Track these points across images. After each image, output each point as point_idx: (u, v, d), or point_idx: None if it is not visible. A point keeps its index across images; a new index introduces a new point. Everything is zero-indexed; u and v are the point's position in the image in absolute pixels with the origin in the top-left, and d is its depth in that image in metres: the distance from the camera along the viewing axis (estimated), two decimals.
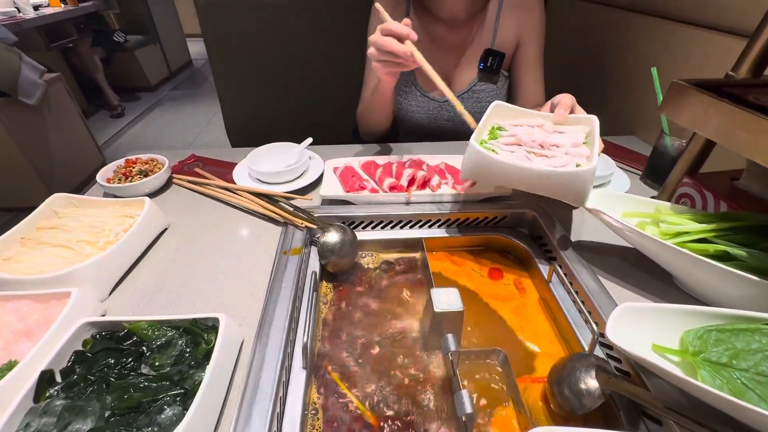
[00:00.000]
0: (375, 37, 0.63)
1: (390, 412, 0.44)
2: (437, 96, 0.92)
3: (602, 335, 0.45)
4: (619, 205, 0.56)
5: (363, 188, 0.69)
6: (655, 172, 0.75)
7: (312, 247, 0.63)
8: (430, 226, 0.67)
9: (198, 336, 0.42)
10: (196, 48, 4.84)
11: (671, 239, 0.49)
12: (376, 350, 0.51)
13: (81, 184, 2.31)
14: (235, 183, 0.72)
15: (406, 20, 0.63)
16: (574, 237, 0.61)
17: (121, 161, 0.73)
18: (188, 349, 0.41)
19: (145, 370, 0.40)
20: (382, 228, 0.67)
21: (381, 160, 0.76)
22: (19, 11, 2.44)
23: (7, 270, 0.50)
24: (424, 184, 0.70)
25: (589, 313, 0.50)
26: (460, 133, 0.95)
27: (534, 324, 0.56)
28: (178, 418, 0.34)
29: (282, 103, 1.45)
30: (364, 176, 0.73)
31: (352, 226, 0.66)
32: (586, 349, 0.47)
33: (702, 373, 0.36)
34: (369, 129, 0.93)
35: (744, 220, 0.48)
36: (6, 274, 0.48)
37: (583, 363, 0.42)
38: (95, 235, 0.56)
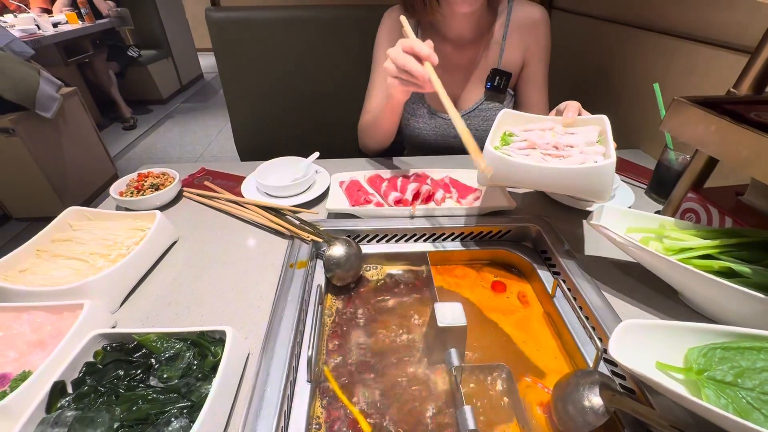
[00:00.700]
0: (395, 53, 0.63)
1: (393, 428, 0.44)
2: (446, 115, 0.93)
3: (606, 351, 0.45)
4: (623, 221, 0.56)
5: (368, 202, 0.70)
6: (659, 186, 0.75)
7: (318, 260, 0.64)
8: (434, 240, 0.68)
9: (205, 349, 0.43)
10: (207, 62, 4.97)
11: (675, 255, 0.49)
12: (379, 364, 0.51)
13: (93, 195, 2.36)
14: (243, 196, 0.73)
15: (429, 42, 0.62)
16: (578, 251, 0.61)
17: (134, 175, 0.75)
18: (195, 362, 0.42)
19: (153, 382, 0.41)
20: (387, 241, 0.67)
21: (386, 174, 0.77)
22: (39, 28, 2.54)
23: (23, 281, 0.52)
24: (429, 197, 0.71)
25: (593, 329, 0.50)
26: (465, 150, 0.96)
27: (537, 338, 0.56)
28: (185, 431, 0.35)
29: (291, 117, 1.48)
30: (370, 190, 0.74)
31: (357, 240, 0.67)
32: (591, 365, 0.47)
33: (706, 392, 0.36)
34: (370, 144, 0.94)
35: (749, 236, 0.48)
36: (22, 285, 0.50)
37: (587, 380, 0.41)
38: (108, 248, 0.57)
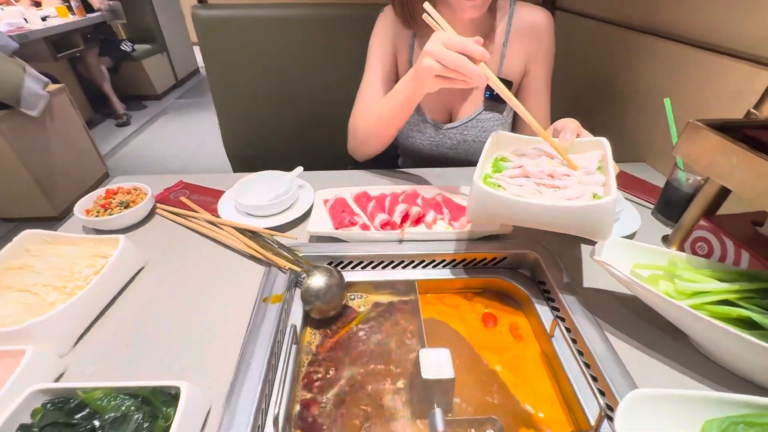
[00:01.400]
0: (442, 53, 0.57)
1: None
2: (440, 122, 0.88)
3: (610, 409, 0.40)
4: (629, 255, 0.51)
5: (353, 224, 0.65)
6: (667, 208, 0.70)
7: (296, 289, 0.59)
8: (423, 267, 0.62)
9: (157, 409, 0.38)
10: None
11: (687, 299, 0.44)
12: (359, 413, 0.46)
13: (82, 195, 2.30)
14: (219, 215, 0.68)
15: (479, 38, 0.57)
16: (579, 282, 0.56)
17: (102, 191, 0.70)
18: (146, 424, 0.37)
19: None
20: (373, 268, 0.62)
21: (374, 190, 0.72)
22: (27, 22, 2.46)
23: None
24: (419, 220, 0.65)
25: (594, 379, 0.45)
26: (460, 161, 0.91)
27: (532, 382, 0.51)
28: None
29: (281, 119, 1.42)
30: (356, 209, 0.68)
31: (340, 266, 0.62)
32: (592, 423, 0.43)
33: None
34: (363, 149, 0.86)
35: None
36: None
37: None
38: (63, 279, 0.52)
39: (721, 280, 0.44)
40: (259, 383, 0.42)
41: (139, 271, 0.60)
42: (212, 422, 0.40)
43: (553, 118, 0.87)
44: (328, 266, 0.58)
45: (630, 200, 0.75)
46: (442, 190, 0.73)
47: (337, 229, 0.63)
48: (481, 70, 0.55)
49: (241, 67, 1.32)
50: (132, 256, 0.58)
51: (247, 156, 1.53)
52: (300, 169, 0.75)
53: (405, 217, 0.65)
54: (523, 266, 0.63)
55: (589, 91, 1.16)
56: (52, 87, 2.08)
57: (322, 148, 1.33)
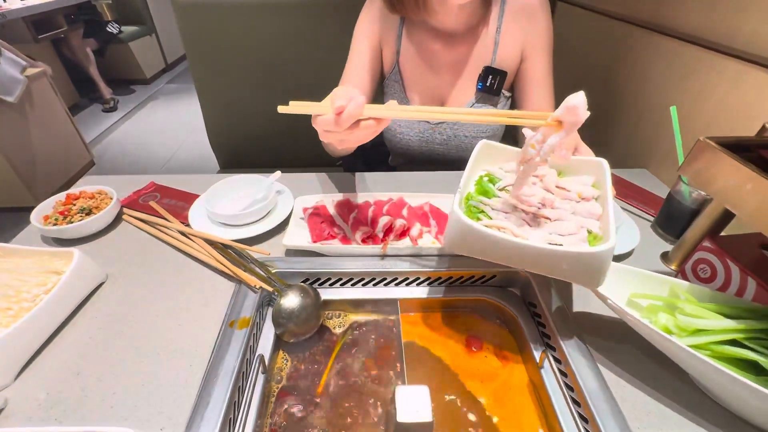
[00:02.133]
0: (324, 122, 0.46)
1: None
2: (430, 120, 0.83)
3: None
4: (627, 283, 0.47)
5: (333, 237, 0.60)
6: (669, 222, 0.65)
7: (268, 308, 0.55)
8: (407, 284, 0.58)
9: None
10: None
11: (689, 337, 0.40)
12: None
13: (66, 185, 2.24)
14: (189, 223, 0.63)
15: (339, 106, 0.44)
16: (572, 303, 0.52)
17: (62, 195, 0.65)
18: None
19: None
20: (353, 285, 0.58)
21: (358, 198, 0.67)
22: (5, 1, 2.35)
23: None
24: (403, 233, 0.61)
25: (585, 420, 0.42)
26: (452, 158, 0.86)
27: (519, 415, 0.47)
28: None
29: (266, 110, 1.36)
30: (337, 219, 0.64)
31: (317, 283, 0.58)
32: None
33: None
34: (331, 152, 0.79)
35: None
36: None
37: None
38: (9, 299, 0.48)
39: (728, 316, 0.41)
40: (217, 426, 0.38)
41: (99, 286, 0.55)
42: None
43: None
44: (303, 285, 0.54)
45: (628, 210, 0.70)
46: (430, 198, 0.68)
47: (315, 242, 0.59)
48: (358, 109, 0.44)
49: (224, 55, 1.25)
50: (89, 272, 0.53)
51: (232, 147, 1.47)
52: (278, 173, 0.70)
53: (388, 231, 0.60)
54: (513, 285, 0.59)
55: (588, 91, 1.11)
56: (32, 71, 1.99)
57: (309, 140, 1.25)
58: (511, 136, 0.96)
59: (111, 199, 0.66)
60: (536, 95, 0.79)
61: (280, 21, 1.17)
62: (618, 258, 0.60)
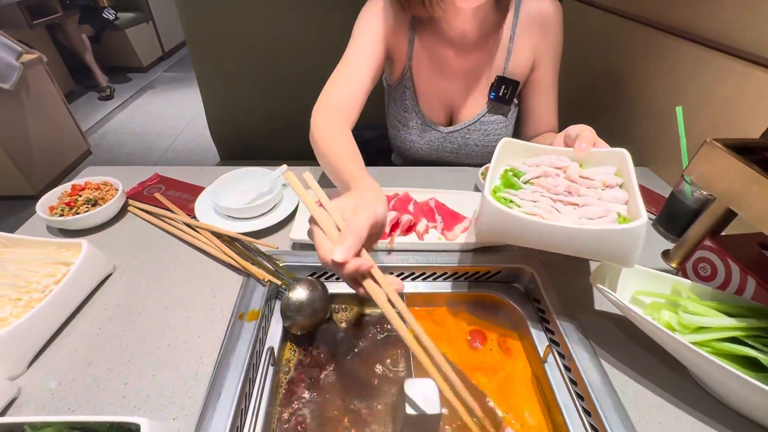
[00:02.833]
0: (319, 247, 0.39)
1: None
2: (441, 127, 0.82)
3: None
4: (631, 281, 0.48)
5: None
6: (670, 221, 0.66)
7: (276, 300, 0.55)
8: (413, 279, 0.59)
9: None
10: None
11: (691, 334, 0.41)
12: None
13: (63, 173, 2.22)
14: (196, 215, 0.63)
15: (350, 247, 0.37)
16: (576, 302, 0.53)
17: (67, 186, 0.65)
18: None
19: None
20: None
21: None
22: None
23: None
24: (410, 228, 0.62)
25: (588, 413, 0.43)
26: (460, 165, 0.86)
27: (523, 409, 0.48)
28: None
29: (268, 102, 1.35)
30: None
31: (324, 277, 0.58)
32: None
33: None
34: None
35: None
36: None
37: None
38: (19, 289, 0.48)
39: (729, 314, 0.42)
40: (229, 416, 0.39)
41: (107, 277, 0.55)
42: None
43: (558, 121, 0.82)
44: (311, 278, 0.54)
45: None
46: (435, 193, 0.69)
47: None
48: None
49: (225, 45, 1.24)
50: (97, 263, 0.53)
51: (233, 139, 1.46)
52: (284, 167, 0.70)
53: (395, 226, 0.61)
54: (517, 281, 0.60)
55: (590, 88, 1.11)
56: (27, 57, 1.96)
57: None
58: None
59: (116, 190, 0.66)
60: (542, 105, 0.80)
61: (282, 9, 1.16)
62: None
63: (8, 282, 0.49)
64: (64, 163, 2.24)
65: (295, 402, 0.47)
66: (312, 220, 0.41)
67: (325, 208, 0.41)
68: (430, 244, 0.59)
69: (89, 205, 0.62)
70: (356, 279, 0.39)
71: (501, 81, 0.75)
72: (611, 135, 1.03)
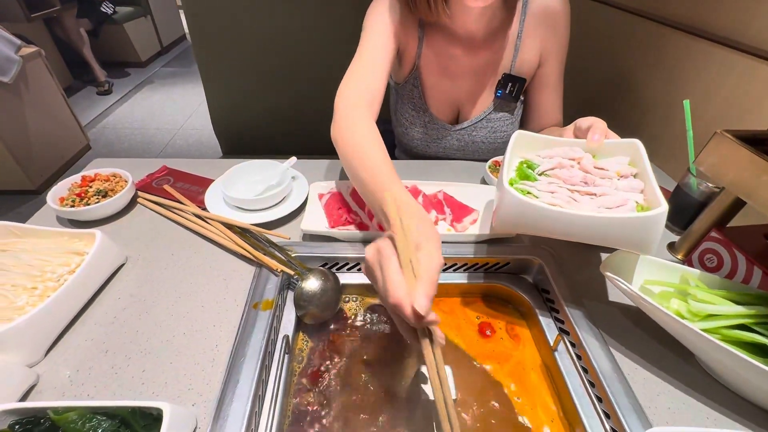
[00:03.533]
0: (383, 291, 0.37)
1: None
2: (448, 123, 0.83)
3: None
4: (640, 270, 0.49)
5: (350, 222, 0.61)
6: (676, 214, 0.67)
7: (289, 291, 0.56)
8: None
9: None
10: None
11: (701, 321, 0.42)
12: (355, 430, 0.44)
13: (63, 168, 2.21)
14: (206, 206, 0.64)
15: (436, 318, 0.35)
16: (585, 293, 0.54)
17: (77, 177, 0.65)
18: None
19: None
20: None
21: None
22: None
23: None
24: None
25: (599, 399, 0.44)
26: (466, 161, 0.86)
27: (533, 395, 0.49)
28: None
29: (272, 97, 1.35)
30: (353, 206, 0.65)
31: (335, 268, 0.59)
32: None
33: None
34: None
35: None
36: None
37: None
38: (34, 278, 0.48)
39: (737, 302, 0.42)
40: (248, 402, 0.40)
41: (120, 267, 0.55)
42: None
43: (565, 115, 0.83)
44: (323, 269, 0.55)
45: None
46: (443, 186, 0.69)
47: (332, 227, 0.60)
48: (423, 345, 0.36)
49: (229, 37, 1.23)
50: (111, 253, 0.53)
51: (237, 135, 1.46)
52: (293, 159, 0.70)
53: None
54: (526, 272, 0.60)
55: (596, 83, 1.12)
56: (26, 51, 1.94)
57: (314, 127, 1.25)
58: None
59: (126, 181, 0.66)
60: (548, 101, 0.80)
61: (287, 2, 1.15)
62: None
63: (23, 272, 0.49)
64: (64, 157, 2.23)
65: (309, 390, 0.47)
66: (387, 245, 0.36)
67: (399, 235, 0.36)
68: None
69: (100, 196, 0.62)
70: (417, 330, 0.36)
71: (508, 78, 0.75)
72: (616, 129, 1.03)
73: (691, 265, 0.57)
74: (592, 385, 0.45)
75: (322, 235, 0.60)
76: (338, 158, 0.81)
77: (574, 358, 0.48)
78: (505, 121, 0.80)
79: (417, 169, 0.80)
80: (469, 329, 0.56)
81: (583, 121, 0.55)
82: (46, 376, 0.42)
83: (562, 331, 0.51)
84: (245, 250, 0.56)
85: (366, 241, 0.59)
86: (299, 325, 0.54)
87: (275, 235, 0.58)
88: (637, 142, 0.50)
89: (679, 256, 0.61)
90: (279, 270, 0.54)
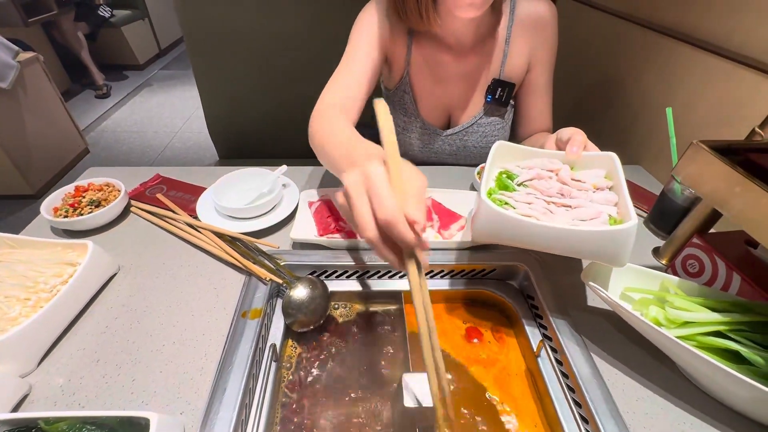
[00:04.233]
0: (360, 213, 0.36)
1: None
2: (439, 128, 0.84)
3: None
4: (621, 278, 0.50)
5: (339, 230, 0.62)
6: (661, 219, 0.68)
7: (278, 299, 0.57)
8: None
9: None
10: None
11: (678, 328, 0.43)
12: None
13: (62, 172, 2.22)
14: (197, 216, 0.65)
15: (421, 224, 0.36)
16: (569, 297, 0.55)
17: (71, 187, 0.66)
18: None
19: None
20: (359, 278, 0.60)
21: None
22: None
23: None
24: None
25: (579, 405, 0.45)
26: (459, 166, 0.87)
27: (518, 401, 0.50)
28: None
29: (268, 101, 1.36)
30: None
31: (324, 276, 0.60)
32: None
33: None
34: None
35: (766, 314, 0.42)
36: None
37: None
38: (27, 289, 0.49)
39: (714, 309, 0.43)
40: (235, 410, 0.41)
41: (112, 277, 0.57)
42: None
43: (553, 123, 0.84)
44: (311, 277, 0.56)
45: None
46: (431, 192, 0.70)
47: (321, 236, 0.61)
48: (406, 267, 0.37)
49: (224, 41, 1.24)
50: (103, 263, 0.55)
51: (232, 137, 1.47)
52: (284, 167, 0.71)
53: None
54: (512, 278, 0.61)
55: (585, 86, 1.13)
56: (24, 56, 1.96)
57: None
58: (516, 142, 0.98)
59: (119, 191, 0.67)
60: (537, 105, 0.81)
61: (282, 5, 1.16)
62: None
63: (17, 282, 0.50)
64: (63, 161, 2.24)
65: (297, 397, 0.48)
66: (375, 168, 0.36)
67: (392, 155, 0.38)
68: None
69: (93, 206, 0.63)
70: (402, 253, 0.36)
71: (497, 83, 0.76)
72: (605, 133, 1.04)
73: (674, 270, 0.58)
74: (571, 390, 0.46)
75: (312, 243, 0.61)
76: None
77: (555, 363, 0.49)
78: (495, 126, 0.81)
79: None
80: (455, 335, 0.57)
81: (564, 132, 0.56)
82: (38, 386, 0.44)
83: (545, 336, 0.52)
84: (235, 259, 0.57)
85: (354, 250, 0.60)
86: (288, 332, 0.55)
87: (265, 244, 0.60)
88: (613, 155, 0.51)
89: (663, 261, 0.62)
90: (268, 279, 0.55)
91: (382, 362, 0.53)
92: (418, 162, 0.88)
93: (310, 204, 0.67)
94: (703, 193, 0.44)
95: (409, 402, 0.41)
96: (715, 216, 0.55)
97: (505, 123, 0.83)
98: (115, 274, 0.57)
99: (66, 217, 0.61)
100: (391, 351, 0.54)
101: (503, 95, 0.77)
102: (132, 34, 3.50)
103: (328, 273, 0.60)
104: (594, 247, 0.43)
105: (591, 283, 0.47)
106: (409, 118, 0.83)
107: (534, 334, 0.54)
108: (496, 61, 0.77)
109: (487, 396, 0.50)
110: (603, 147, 0.54)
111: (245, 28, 1.20)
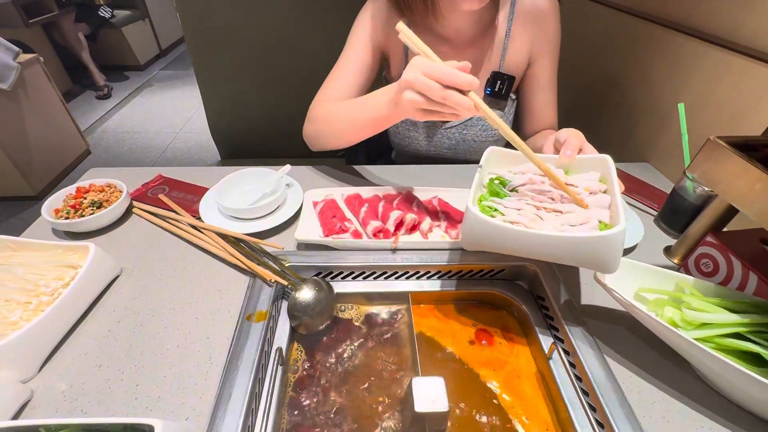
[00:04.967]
0: (425, 85, 0.47)
1: None
2: (440, 124, 0.82)
3: None
4: (634, 277, 0.49)
5: (344, 230, 0.61)
6: (672, 217, 0.67)
7: (283, 300, 0.56)
8: (418, 278, 0.60)
9: None
10: None
11: (695, 330, 0.42)
12: None
13: (63, 173, 2.22)
14: (200, 216, 0.64)
15: (466, 64, 0.48)
16: (580, 297, 0.54)
17: (72, 189, 0.65)
18: None
19: None
20: (365, 278, 0.59)
21: (367, 192, 0.68)
22: None
23: None
24: (414, 227, 0.62)
25: (593, 408, 0.43)
26: (460, 161, 0.86)
27: (529, 405, 0.49)
28: None
29: (269, 101, 1.35)
30: (347, 214, 0.65)
31: (330, 277, 0.59)
32: None
33: None
34: (321, 141, 0.75)
35: None
36: None
37: None
38: (28, 293, 0.48)
39: (731, 310, 0.42)
40: (240, 416, 0.40)
41: (115, 279, 0.56)
42: None
43: (558, 115, 0.83)
44: (317, 278, 0.55)
45: (632, 205, 0.72)
46: (438, 192, 0.69)
47: (326, 236, 0.60)
48: (471, 100, 0.47)
49: (225, 41, 1.23)
50: (105, 266, 0.54)
51: (234, 137, 1.46)
52: (288, 167, 0.70)
53: (399, 225, 0.61)
54: (521, 278, 0.60)
55: (592, 83, 1.11)
56: (24, 57, 1.95)
57: None
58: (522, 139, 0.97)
59: (121, 192, 0.66)
60: (540, 100, 0.80)
61: (283, 4, 1.15)
62: (623, 252, 0.62)
63: (17, 286, 0.49)
64: (64, 162, 2.24)
65: (304, 401, 0.47)
66: (420, 59, 0.49)
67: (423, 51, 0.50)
68: (434, 243, 0.60)
69: (94, 208, 0.62)
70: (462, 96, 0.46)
71: (496, 76, 0.75)
72: (613, 130, 1.03)
73: (687, 269, 0.57)
74: (586, 394, 0.45)
75: (317, 243, 0.60)
76: (333, 164, 0.81)
77: (568, 366, 0.48)
78: None
79: (411, 174, 0.80)
80: (464, 336, 0.56)
81: (561, 134, 0.55)
82: (40, 392, 0.43)
83: (556, 338, 0.51)
84: (239, 260, 0.56)
85: (360, 251, 0.59)
86: (294, 335, 0.54)
87: (269, 245, 0.58)
88: (606, 158, 0.50)
89: (675, 261, 0.61)
90: (273, 280, 0.54)
91: (391, 365, 0.52)
92: (420, 157, 0.87)
93: (315, 204, 0.66)
94: (720, 191, 0.43)
95: (419, 407, 0.40)
96: (729, 214, 0.54)
97: (506, 117, 0.82)
98: (117, 277, 0.56)
99: (67, 218, 0.60)
100: (400, 353, 0.53)
101: (503, 88, 0.76)
102: (132, 35, 3.49)
103: (333, 274, 0.59)
104: (580, 254, 0.42)
105: (604, 283, 0.46)
106: None
107: (545, 336, 0.52)
108: (496, 55, 0.76)
109: (497, 399, 0.49)
110: (609, 144, 0.53)
111: (246, 27, 1.19)
